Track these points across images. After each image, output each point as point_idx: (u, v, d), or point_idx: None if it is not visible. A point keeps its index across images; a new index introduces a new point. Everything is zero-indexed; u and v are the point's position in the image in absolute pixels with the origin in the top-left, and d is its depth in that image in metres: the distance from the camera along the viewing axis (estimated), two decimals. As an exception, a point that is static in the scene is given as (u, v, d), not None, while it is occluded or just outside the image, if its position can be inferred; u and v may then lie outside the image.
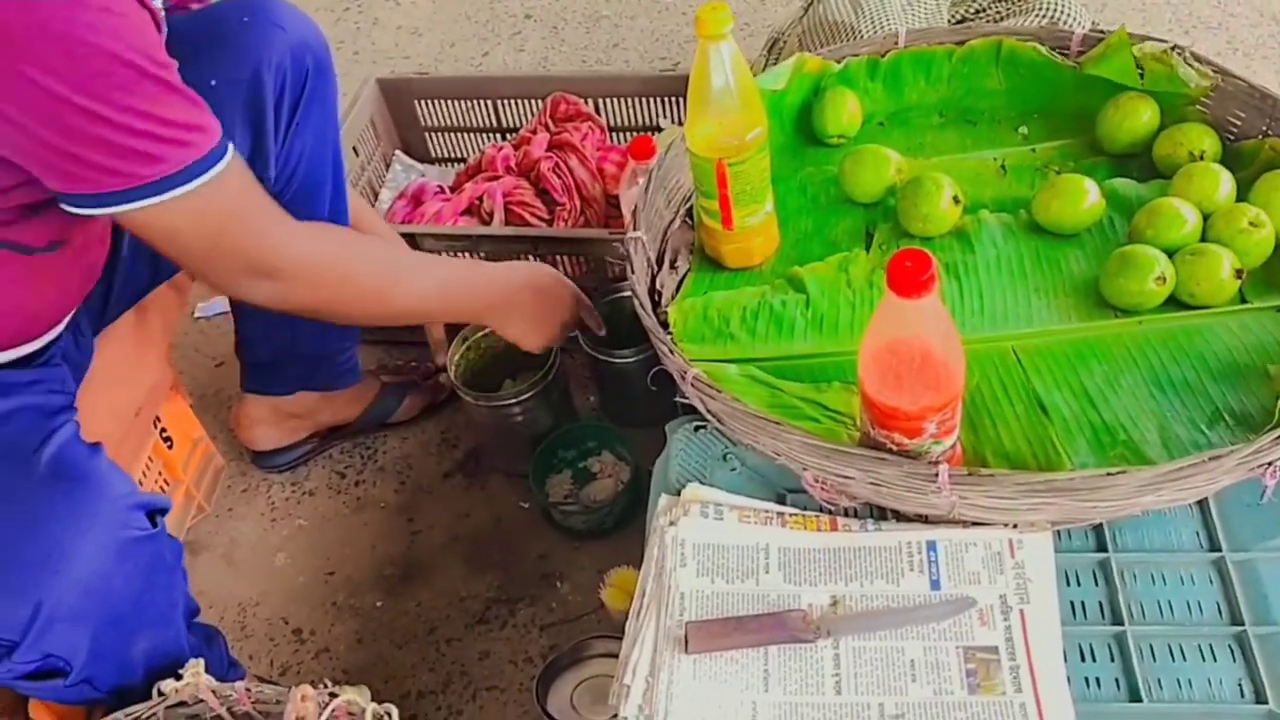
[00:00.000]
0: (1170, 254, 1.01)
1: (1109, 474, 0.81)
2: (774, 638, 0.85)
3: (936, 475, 0.84)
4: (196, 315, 1.81)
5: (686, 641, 0.85)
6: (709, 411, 0.96)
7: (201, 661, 0.89)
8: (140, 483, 1.36)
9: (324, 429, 1.55)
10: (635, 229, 1.12)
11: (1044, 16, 1.51)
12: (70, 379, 1.07)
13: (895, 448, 0.86)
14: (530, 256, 1.51)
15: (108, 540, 0.89)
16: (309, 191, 1.24)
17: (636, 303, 1.05)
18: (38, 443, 0.92)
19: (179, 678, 0.88)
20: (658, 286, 1.13)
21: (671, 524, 0.94)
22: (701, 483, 0.98)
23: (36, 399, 0.98)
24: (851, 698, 0.82)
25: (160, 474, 1.42)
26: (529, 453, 1.43)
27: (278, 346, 1.40)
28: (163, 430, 1.41)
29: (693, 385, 0.96)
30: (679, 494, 0.99)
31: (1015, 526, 0.90)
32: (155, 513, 0.97)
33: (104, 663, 0.93)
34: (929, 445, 0.86)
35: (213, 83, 1.06)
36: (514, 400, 1.38)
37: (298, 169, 1.21)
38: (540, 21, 2.40)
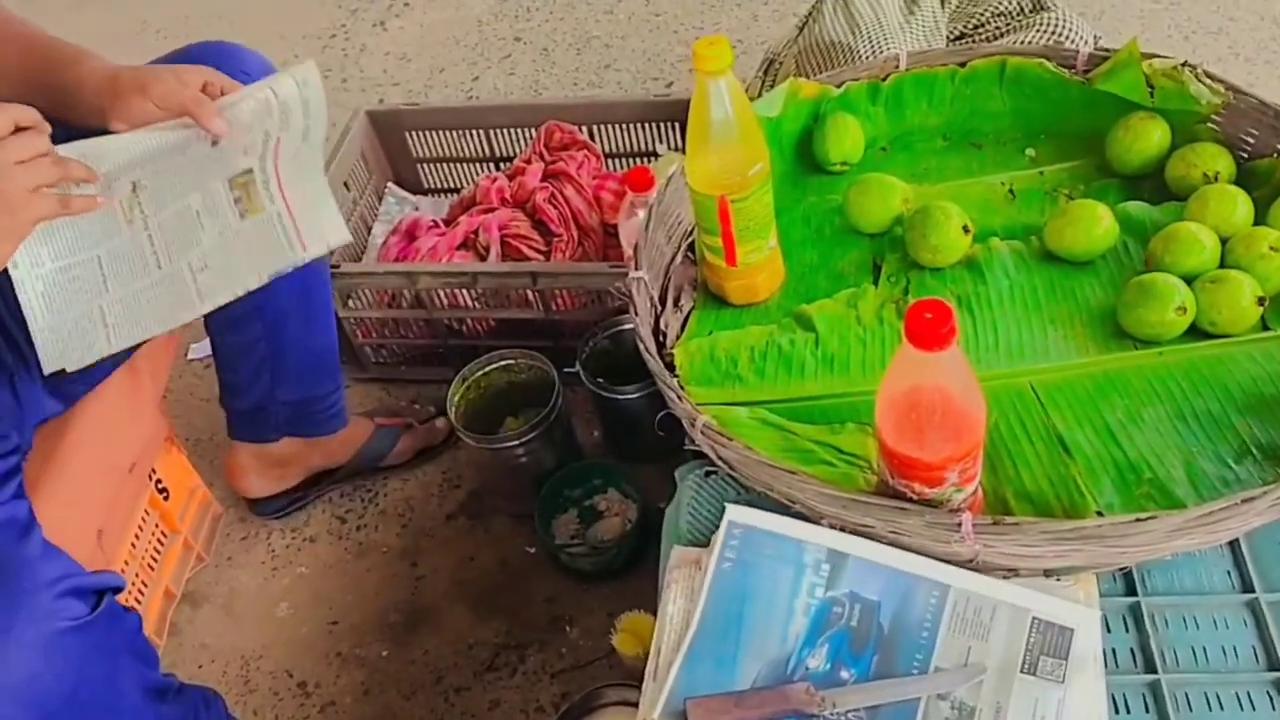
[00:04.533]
0: (1189, 281, 0.98)
1: (1138, 519, 0.78)
2: (777, 712, 0.82)
3: (960, 524, 0.81)
4: (190, 358, 1.79)
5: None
6: (720, 459, 0.93)
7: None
8: (136, 537, 1.33)
9: (315, 473, 1.52)
10: (637, 268, 1.09)
11: (1045, 31, 1.49)
12: (14, 437, 1.01)
13: (915, 496, 0.83)
14: (530, 291, 1.48)
15: (32, 637, 0.84)
16: None
17: (642, 347, 1.01)
18: None
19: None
20: (662, 326, 1.10)
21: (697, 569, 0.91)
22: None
23: None
24: None
25: (157, 526, 1.39)
26: (533, 493, 1.40)
27: (261, 393, 1.37)
28: (158, 482, 1.38)
29: (703, 433, 0.93)
30: (692, 543, 0.96)
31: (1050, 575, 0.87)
32: (103, 592, 0.92)
33: None
34: (950, 494, 0.83)
35: None
36: (516, 441, 1.35)
37: None
38: (530, 44, 2.37)
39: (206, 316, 1.29)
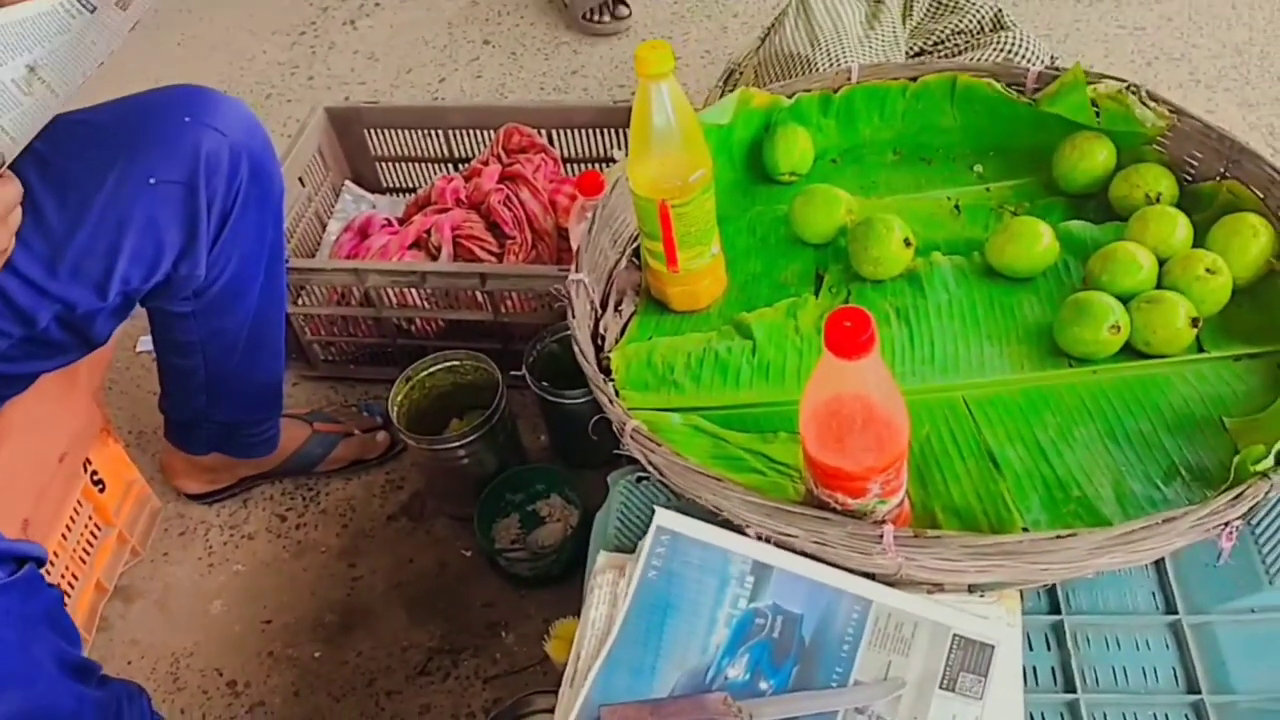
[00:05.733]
0: (1125, 300, 0.98)
1: (1059, 536, 0.78)
2: None
3: (881, 536, 0.80)
4: (139, 350, 1.77)
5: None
6: (650, 464, 0.92)
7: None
8: (68, 529, 1.30)
9: (246, 479, 1.52)
10: (578, 270, 1.08)
11: (1001, 51, 1.49)
12: None
13: (839, 507, 0.82)
14: (479, 293, 1.47)
15: None
16: (238, 288, 1.22)
17: (577, 349, 1.00)
18: None
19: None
20: (601, 330, 1.09)
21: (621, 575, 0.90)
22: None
23: None
24: None
25: (90, 519, 1.37)
26: (475, 495, 1.38)
27: (196, 409, 1.37)
28: (94, 474, 1.36)
29: (633, 437, 0.92)
30: (619, 549, 0.95)
31: (974, 590, 0.86)
32: (22, 560, 0.91)
33: None
34: (874, 505, 0.82)
35: (151, 180, 1.06)
36: (458, 442, 1.34)
37: (228, 268, 1.19)
38: (499, 48, 2.36)
39: (152, 331, 1.29)
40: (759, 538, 0.89)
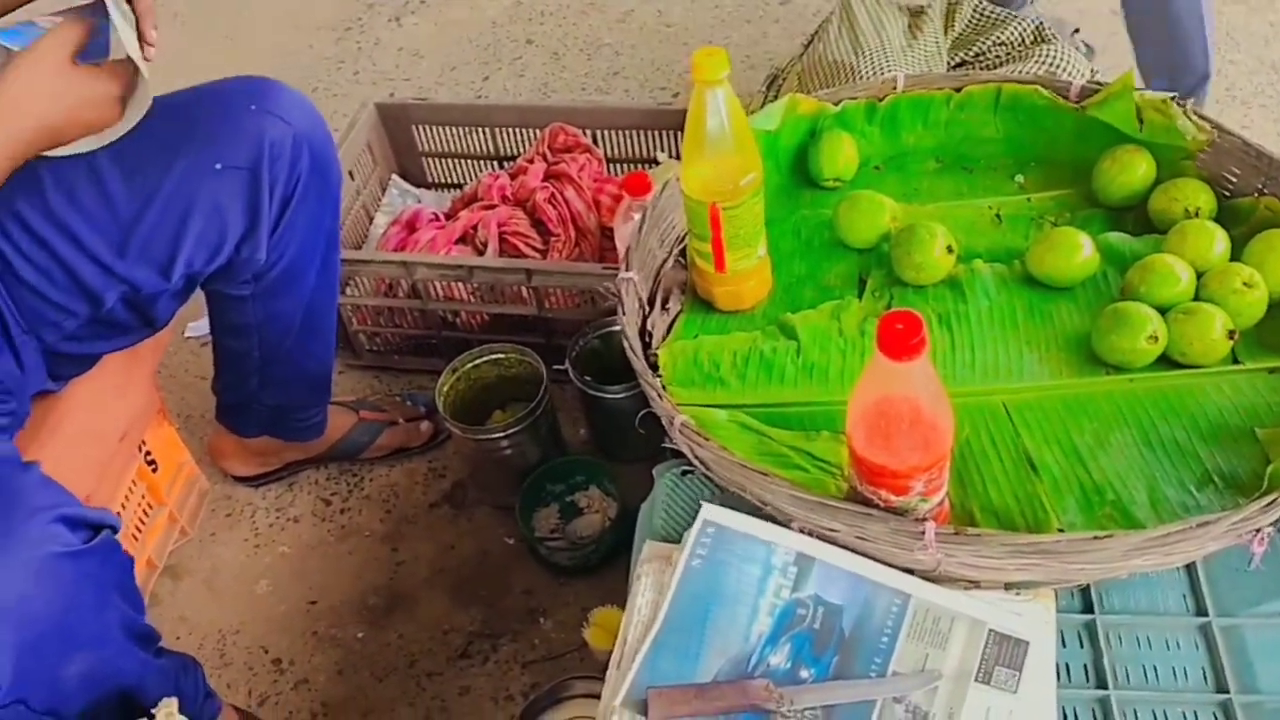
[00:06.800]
0: (1163, 312, 1.00)
1: (1096, 537, 0.81)
2: (735, 706, 0.84)
3: (923, 533, 0.83)
4: (187, 335, 1.81)
5: (646, 708, 0.84)
6: (697, 458, 0.96)
7: (175, 701, 0.87)
8: (123, 507, 1.35)
9: (293, 463, 1.57)
10: (628, 269, 1.12)
11: (1043, 64, 1.52)
12: (12, 401, 1.07)
13: (882, 504, 0.85)
14: (525, 288, 1.50)
15: (25, 559, 0.87)
16: (295, 272, 1.26)
17: (627, 345, 1.04)
18: None
19: (151, 718, 0.87)
20: (649, 327, 1.12)
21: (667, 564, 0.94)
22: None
23: None
24: None
25: (144, 497, 1.41)
26: (516, 485, 1.42)
27: (249, 392, 1.41)
28: (147, 454, 1.40)
29: (681, 431, 0.95)
30: (665, 539, 0.98)
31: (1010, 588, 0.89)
32: (98, 528, 0.95)
33: (33, 685, 0.90)
34: (916, 503, 0.85)
35: (217, 166, 1.11)
36: (502, 433, 1.37)
37: (287, 252, 1.23)
38: (541, 47, 2.40)
39: (210, 314, 1.33)
40: (802, 532, 0.92)
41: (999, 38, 1.60)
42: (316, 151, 1.20)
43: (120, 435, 1.28)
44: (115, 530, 0.97)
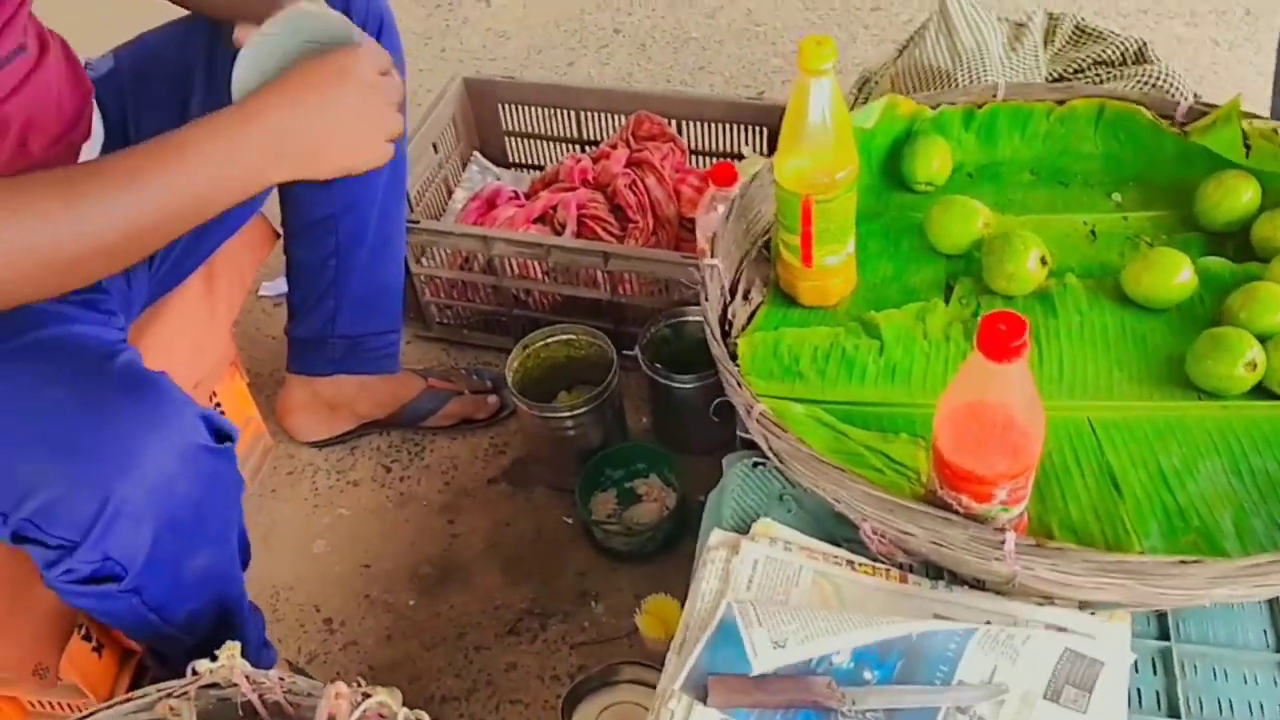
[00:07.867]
0: (1263, 340, 0.97)
1: (1183, 562, 0.79)
2: (797, 700, 0.83)
3: (1003, 542, 0.82)
4: (260, 294, 1.83)
5: (706, 694, 0.83)
6: (771, 449, 0.95)
7: (238, 645, 0.88)
8: (190, 455, 1.36)
9: (360, 423, 1.56)
10: (712, 256, 1.11)
11: (1144, 83, 1.48)
12: (121, 318, 1.11)
13: (962, 510, 0.84)
14: (600, 272, 1.50)
15: (176, 442, 0.90)
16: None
17: (707, 330, 1.03)
18: (106, 354, 0.95)
19: (214, 658, 0.87)
20: (729, 316, 1.12)
21: (735, 553, 0.93)
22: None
23: (97, 329, 1.02)
24: None
25: (210, 448, 1.43)
26: (576, 467, 1.42)
27: (323, 322, 1.42)
28: (217, 405, 1.42)
29: (758, 421, 0.94)
30: (734, 529, 0.98)
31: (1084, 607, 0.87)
32: (226, 436, 0.98)
33: (158, 571, 0.94)
34: (997, 511, 0.83)
35: None
36: (569, 413, 1.37)
37: None
38: (628, 37, 2.40)
39: (285, 226, 1.35)
40: (874, 534, 0.91)
41: (1100, 54, 1.57)
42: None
43: (194, 383, 1.30)
44: (234, 442, 0.99)
